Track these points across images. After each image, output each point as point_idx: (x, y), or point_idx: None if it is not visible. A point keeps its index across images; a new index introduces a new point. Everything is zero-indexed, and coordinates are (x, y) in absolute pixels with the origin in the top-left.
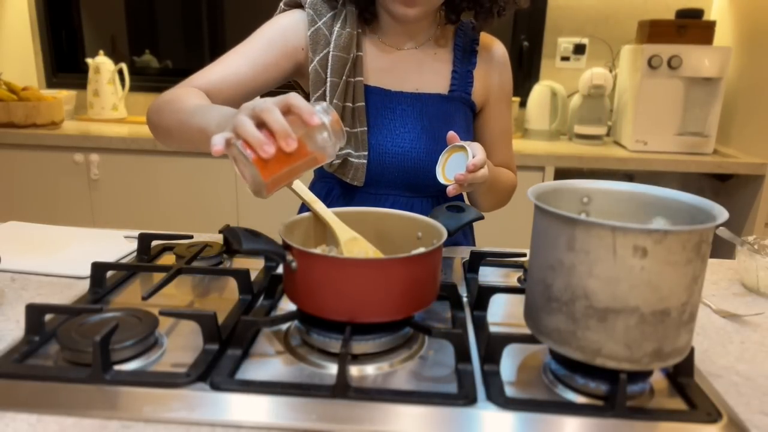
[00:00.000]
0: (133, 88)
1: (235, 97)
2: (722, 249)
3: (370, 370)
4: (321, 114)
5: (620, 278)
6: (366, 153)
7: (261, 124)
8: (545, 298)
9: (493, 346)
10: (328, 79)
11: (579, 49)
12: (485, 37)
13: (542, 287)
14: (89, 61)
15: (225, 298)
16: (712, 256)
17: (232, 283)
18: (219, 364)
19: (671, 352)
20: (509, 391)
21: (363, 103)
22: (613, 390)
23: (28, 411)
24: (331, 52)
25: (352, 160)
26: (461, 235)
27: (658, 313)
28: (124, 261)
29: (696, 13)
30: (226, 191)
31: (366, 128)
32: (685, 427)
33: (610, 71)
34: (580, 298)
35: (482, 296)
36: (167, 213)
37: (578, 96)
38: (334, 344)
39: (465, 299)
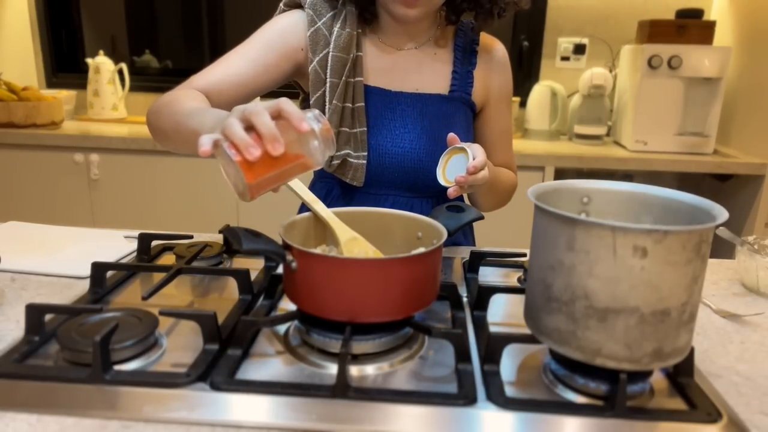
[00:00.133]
0: (133, 88)
1: (235, 97)
2: (722, 249)
3: (370, 370)
4: (312, 121)
5: (620, 278)
6: (366, 153)
7: (250, 128)
8: (545, 298)
9: (493, 346)
10: (328, 80)
11: (579, 49)
12: (485, 38)
13: (542, 287)
14: (89, 61)
15: (225, 298)
16: (712, 256)
17: (232, 283)
18: (219, 364)
19: (671, 352)
20: (509, 391)
21: (363, 104)
22: (613, 390)
23: (28, 411)
24: (330, 53)
25: (352, 160)
26: (461, 235)
27: (658, 313)
28: (124, 261)
29: (696, 13)
30: (226, 191)
31: (366, 128)
32: (685, 427)
33: (610, 71)
34: (580, 298)
35: (482, 296)
36: (167, 213)
37: (578, 96)
38: (334, 344)
39: (465, 299)
